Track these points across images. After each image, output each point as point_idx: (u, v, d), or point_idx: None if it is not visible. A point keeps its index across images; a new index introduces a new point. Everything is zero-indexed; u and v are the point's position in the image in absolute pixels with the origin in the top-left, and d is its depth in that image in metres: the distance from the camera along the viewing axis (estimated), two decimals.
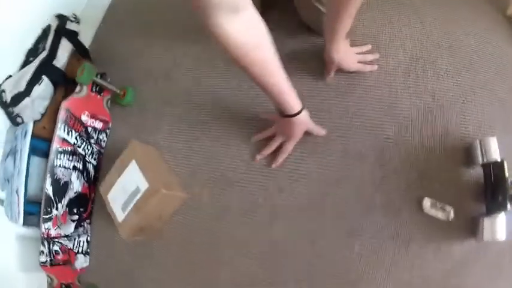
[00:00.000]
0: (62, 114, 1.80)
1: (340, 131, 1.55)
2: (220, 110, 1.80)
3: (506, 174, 1.15)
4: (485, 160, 1.22)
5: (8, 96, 1.74)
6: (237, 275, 1.58)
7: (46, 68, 1.83)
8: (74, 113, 1.85)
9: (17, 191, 1.71)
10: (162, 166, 1.75)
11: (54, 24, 1.96)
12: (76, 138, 1.87)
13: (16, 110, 1.75)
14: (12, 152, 1.79)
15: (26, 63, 1.86)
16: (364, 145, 1.49)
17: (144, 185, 1.58)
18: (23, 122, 1.79)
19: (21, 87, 1.73)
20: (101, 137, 2.02)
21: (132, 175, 1.63)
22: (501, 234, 1.15)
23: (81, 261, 1.91)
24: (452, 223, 1.29)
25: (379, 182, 1.43)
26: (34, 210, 1.76)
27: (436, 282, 1.30)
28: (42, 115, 1.84)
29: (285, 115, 1.39)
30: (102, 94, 2.02)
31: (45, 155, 1.80)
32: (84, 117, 1.92)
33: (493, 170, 1.19)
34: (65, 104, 1.81)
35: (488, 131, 1.37)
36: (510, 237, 1.17)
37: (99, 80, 1.93)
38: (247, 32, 1.06)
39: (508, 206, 1.13)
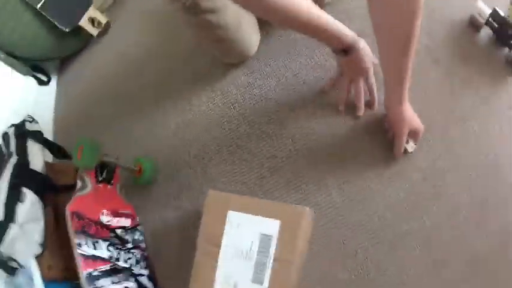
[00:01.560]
0: (74, 224, 1.17)
1: None
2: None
3: (502, 14, 1.22)
4: (485, 20, 1.28)
5: None
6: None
7: (23, 177, 1.23)
8: (89, 216, 1.20)
9: None
10: (261, 201, 1.14)
11: (10, 131, 1.38)
12: (108, 249, 1.21)
13: (4, 250, 1.13)
14: None
15: None
16: None
17: (273, 224, 1.00)
18: (20, 267, 1.17)
19: (1, 213, 1.15)
20: (136, 236, 1.35)
21: (241, 230, 1.04)
22: None
23: None
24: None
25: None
26: None
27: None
28: (42, 246, 1.20)
29: (343, 49, 1.13)
30: (111, 182, 1.37)
31: None
32: (105, 218, 1.27)
33: (493, 19, 1.26)
34: (70, 208, 1.19)
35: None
36: None
37: (108, 158, 1.30)
38: None
39: None
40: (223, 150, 1.38)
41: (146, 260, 1.34)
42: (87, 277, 1.10)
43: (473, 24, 1.33)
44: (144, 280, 1.28)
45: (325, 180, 1.24)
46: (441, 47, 1.32)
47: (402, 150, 1.18)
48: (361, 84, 1.24)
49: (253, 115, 1.39)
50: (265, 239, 1.00)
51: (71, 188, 1.32)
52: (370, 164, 1.23)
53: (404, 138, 1.15)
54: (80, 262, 1.12)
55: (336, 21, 1.05)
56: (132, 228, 1.35)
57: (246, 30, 1.35)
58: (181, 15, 1.20)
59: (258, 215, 1.02)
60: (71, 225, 1.16)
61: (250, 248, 1.01)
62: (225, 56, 1.43)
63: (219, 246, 1.04)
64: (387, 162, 1.22)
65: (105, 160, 1.27)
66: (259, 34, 1.42)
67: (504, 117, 1.22)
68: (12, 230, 1.12)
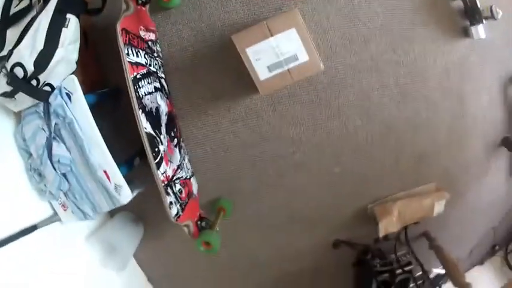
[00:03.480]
0: (123, 38, 1.36)
1: None
2: None
3: (479, 5, 1.66)
4: None
5: (28, 66, 1.18)
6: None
7: (68, 3, 1.28)
8: (133, 31, 1.43)
9: (98, 166, 1.30)
10: (310, 37, 1.49)
11: None
12: (145, 56, 1.49)
13: (44, 76, 1.23)
14: (55, 136, 1.30)
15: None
16: None
17: (303, 57, 1.47)
18: (52, 91, 1.28)
19: (39, 43, 1.20)
20: (158, 48, 1.63)
21: (290, 41, 1.46)
22: (483, 35, 1.70)
23: (195, 185, 1.64)
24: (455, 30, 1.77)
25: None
26: (123, 172, 1.37)
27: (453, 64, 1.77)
28: (77, 63, 1.35)
29: None
30: (146, 4, 1.56)
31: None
32: (142, 33, 1.51)
33: (469, 1, 1.67)
34: (121, 25, 1.36)
35: None
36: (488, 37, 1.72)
37: None
38: None
39: (484, 21, 1.67)
40: None
41: (163, 66, 1.64)
42: (133, 79, 1.35)
43: None
44: (163, 81, 1.61)
45: None
46: None
47: None
48: None
49: None
50: (293, 57, 1.47)
51: (98, 12, 1.47)
52: None
53: None
54: (128, 68, 1.33)
55: None
56: (155, 41, 1.61)
57: None
58: None
59: (304, 44, 1.45)
60: (121, 39, 1.34)
61: (284, 53, 1.46)
62: None
63: (272, 35, 1.45)
64: None
65: None
66: None
67: (441, 58, 1.73)
68: (58, 54, 1.23)
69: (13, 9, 1.30)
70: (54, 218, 1.41)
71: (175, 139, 1.58)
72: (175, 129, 1.60)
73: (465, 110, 1.81)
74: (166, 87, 1.63)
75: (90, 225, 1.64)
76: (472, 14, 1.68)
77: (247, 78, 1.48)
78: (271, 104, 1.71)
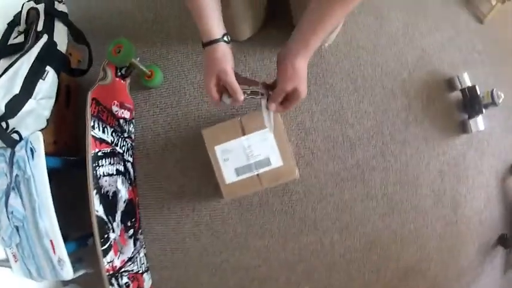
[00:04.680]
0: (92, 108, 1.25)
1: None
2: None
3: (478, 92, 1.54)
4: (462, 86, 1.59)
5: (0, 105, 1.12)
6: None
7: (50, 56, 1.25)
8: (105, 104, 1.31)
9: (45, 233, 1.13)
10: (287, 140, 1.35)
11: (40, 7, 1.32)
12: (112, 134, 1.36)
13: (13, 122, 1.16)
14: (14, 187, 1.18)
15: None
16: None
17: (277, 162, 1.31)
18: (20, 140, 1.19)
19: (16, 87, 1.14)
20: (130, 128, 1.50)
21: (264, 142, 1.31)
22: (481, 127, 1.56)
23: (147, 281, 1.43)
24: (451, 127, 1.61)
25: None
26: (69, 249, 1.18)
27: (448, 166, 1.58)
28: (48, 121, 1.26)
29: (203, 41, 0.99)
30: (125, 79, 1.48)
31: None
32: (115, 108, 1.39)
33: (468, 91, 1.57)
34: (93, 94, 1.26)
35: (462, 68, 1.63)
36: (487, 128, 1.59)
37: (137, 62, 1.38)
38: None
39: (483, 111, 1.54)
40: None
41: (133, 150, 1.49)
42: (93, 156, 1.22)
43: (450, 84, 1.61)
44: (129, 166, 1.45)
45: None
46: (415, 83, 1.58)
47: (274, 106, 1.01)
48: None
49: None
50: (265, 161, 1.30)
51: (82, 73, 1.39)
52: None
53: (283, 95, 0.98)
54: (90, 142, 1.22)
55: (214, 19, 0.97)
56: (129, 121, 1.48)
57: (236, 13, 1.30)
58: None
59: (279, 147, 1.30)
60: (89, 109, 1.23)
61: (255, 156, 1.30)
62: None
63: (244, 134, 1.30)
64: None
65: (135, 63, 1.36)
66: (251, 26, 1.42)
67: (435, 160, 1.55)
68: (29, 104, 1.16)
69: (11, 40, 1.31)
70: (5, 263, 1.25)
71: (132, 230, 1.39)
72: (133, 219, 1.42)
73: (459, 214, 1.61)
74: (132, 172, 1.47)
75: (40, 286, 1.43)
76: (472, 105, 1.56)
77: (216, 178, 1.31)
78: (238, 210, 1.52)
